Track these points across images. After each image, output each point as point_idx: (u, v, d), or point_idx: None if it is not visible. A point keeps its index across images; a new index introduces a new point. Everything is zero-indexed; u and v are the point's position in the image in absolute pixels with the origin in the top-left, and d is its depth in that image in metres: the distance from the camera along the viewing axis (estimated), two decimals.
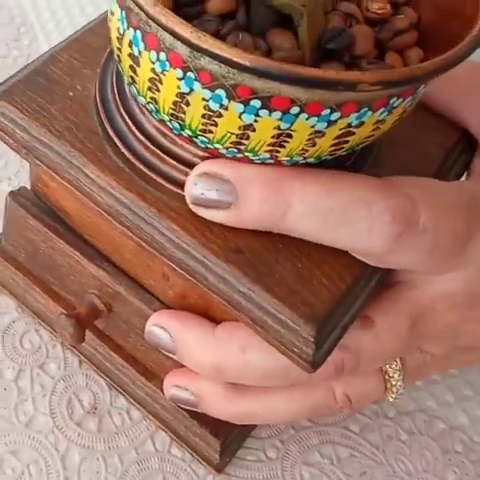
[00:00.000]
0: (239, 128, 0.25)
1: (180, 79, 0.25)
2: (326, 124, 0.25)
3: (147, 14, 0.23)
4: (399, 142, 0.33)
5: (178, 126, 0.27)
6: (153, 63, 0.25)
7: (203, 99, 0.25)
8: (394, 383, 0.34)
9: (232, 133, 0.26)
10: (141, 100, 0.28)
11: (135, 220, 0.29)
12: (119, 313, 0.36)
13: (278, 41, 0.27)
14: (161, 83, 0.26)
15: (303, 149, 0.26)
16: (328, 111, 0.24)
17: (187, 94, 0.25)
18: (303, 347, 0.27)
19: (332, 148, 0.26)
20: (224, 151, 0.27)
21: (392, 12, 0.29)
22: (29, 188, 0.37)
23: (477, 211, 0.30)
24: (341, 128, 0.25)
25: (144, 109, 0.29)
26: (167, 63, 0.25)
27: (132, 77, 0.27)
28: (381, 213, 0.27)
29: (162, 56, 0.25)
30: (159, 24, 0.23)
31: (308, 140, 0.25)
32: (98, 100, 0.31)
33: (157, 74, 0.25)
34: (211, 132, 0.26)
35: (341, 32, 0.26)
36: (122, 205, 0.29)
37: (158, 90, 0.26)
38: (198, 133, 0.26)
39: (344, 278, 0.28)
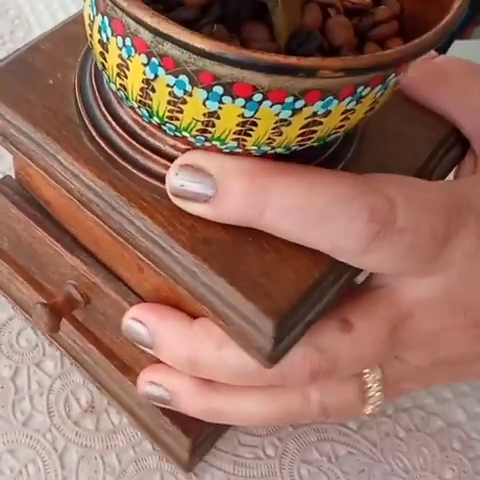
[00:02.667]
0: (204, 115, 0.25)
1: (145, 65, 0.25)
2: (291, 112, 0.24)
3: None
4: (384, 136, 0.32)
5: (147, 113, 0.27)
6: (120, 49, 0.25)
7: (167, 85, 0.25)
8: (372, 393, 0.33)
9: (198, 120, 0.25)
10: (112, 87, 0.27)
11: (106, 208, 0.29)
12: (96, 305, 0.36)
13: (251, 33, 0.26)
14: (128, 69, 0.25)
15: (270, 138, 0.26)
16: (292, 99, 0.24)
17: (152, 80, 0.25)
18: (262, 341, 0.26)
19: (300, 138, 0.26)
20: (192, 139, 0.26)
21: (373, 2, 0.29)
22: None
23: (459, 212, 0.29)
24: (307, 117, 0.25)
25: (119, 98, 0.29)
26: (132, 49, 0.25)
27: (103, 64, 0.27)
28: (359, 211, 0.27)
29: (127, 42, 0.25)
30: (121, 8, 0.23)
31: (274, 129, 0.25)
32: (77, 88, 0.31)
33: (124, 60, 0.25)
34: (177, 119, 0.26)
35: (308, 36, 0.26)
36: (93, 193, 0.29)
37: (126, 76, 0.26)
38: (165, 120, 0.26)
39: (312, 274, 0.28)
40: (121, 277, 0.34)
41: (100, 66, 0.27)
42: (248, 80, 0.23)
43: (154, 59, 0.24)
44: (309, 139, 0.26)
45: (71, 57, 0.32)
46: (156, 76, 0.25)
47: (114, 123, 0.30)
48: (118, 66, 0.26)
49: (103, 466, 0.37)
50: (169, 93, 0.25)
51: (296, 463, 0.39)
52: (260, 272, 0.27)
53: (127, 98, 0.27)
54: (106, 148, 0.30)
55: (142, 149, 0.29)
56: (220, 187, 0.27)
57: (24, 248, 0.37)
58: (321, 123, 0.25)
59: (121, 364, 0.37)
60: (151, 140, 0.29)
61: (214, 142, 0.26)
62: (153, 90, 0.25)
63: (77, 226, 0.34)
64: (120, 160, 0.29)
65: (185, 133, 0.26)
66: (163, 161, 0.29)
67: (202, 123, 0.25)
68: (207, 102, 0.24)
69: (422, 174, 0.32)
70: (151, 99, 0.26)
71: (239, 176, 0.27)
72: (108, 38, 0.25)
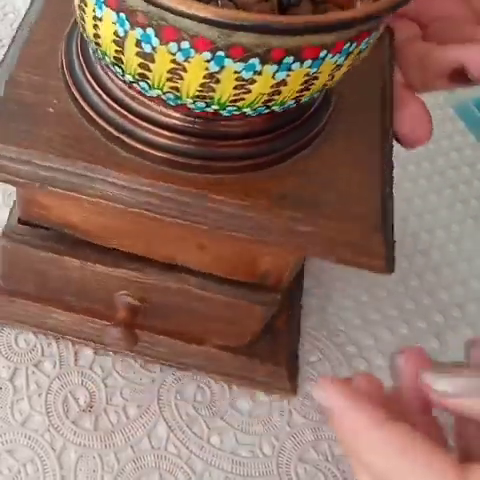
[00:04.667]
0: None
1: (114, 23, 0.25)
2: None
3: None
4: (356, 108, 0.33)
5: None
6: (114, 24, 0.25)
7: (169, 53, 0.25)
8: None
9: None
10: (107, 61, 0.27)
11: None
12: (153, 301, 0.36)
13: None
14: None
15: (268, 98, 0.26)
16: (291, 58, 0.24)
17: (150, 53, 0.25)
18: None
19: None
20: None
21: None
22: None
23: None
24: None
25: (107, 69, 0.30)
26: (127, 22, 0.25)
27: (96, 41, 0.27)
28: None
29: (122, 16, 0.25)
30: None
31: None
32: (64, 63, 0.31)
33: (119, 36, 0.25)
34: (178, 89, 0.26)
35: None
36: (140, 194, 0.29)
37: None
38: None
39: None
40: (176, 261, 0.34)
41: (93, 46, 0.27)
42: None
43: (150, 30, 0.24)
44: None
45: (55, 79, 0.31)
46: (154, 48, 0.25)
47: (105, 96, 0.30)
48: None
49: (101, 465, 0.38)
50: (172, 61, 0.25)
51: (293, 462, 0.40)
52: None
53: (105, 54, 0.27)
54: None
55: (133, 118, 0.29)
56: None
57: (55, 283, 0.37)
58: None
59: (192, 337, 0.38)
60: (138, 107, 0.29)
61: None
62: (152, 60, 0.25)
63: (121, 239, 0.34)
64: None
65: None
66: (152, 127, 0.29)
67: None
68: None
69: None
70: (150, 70, 0.26)
71: None
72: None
